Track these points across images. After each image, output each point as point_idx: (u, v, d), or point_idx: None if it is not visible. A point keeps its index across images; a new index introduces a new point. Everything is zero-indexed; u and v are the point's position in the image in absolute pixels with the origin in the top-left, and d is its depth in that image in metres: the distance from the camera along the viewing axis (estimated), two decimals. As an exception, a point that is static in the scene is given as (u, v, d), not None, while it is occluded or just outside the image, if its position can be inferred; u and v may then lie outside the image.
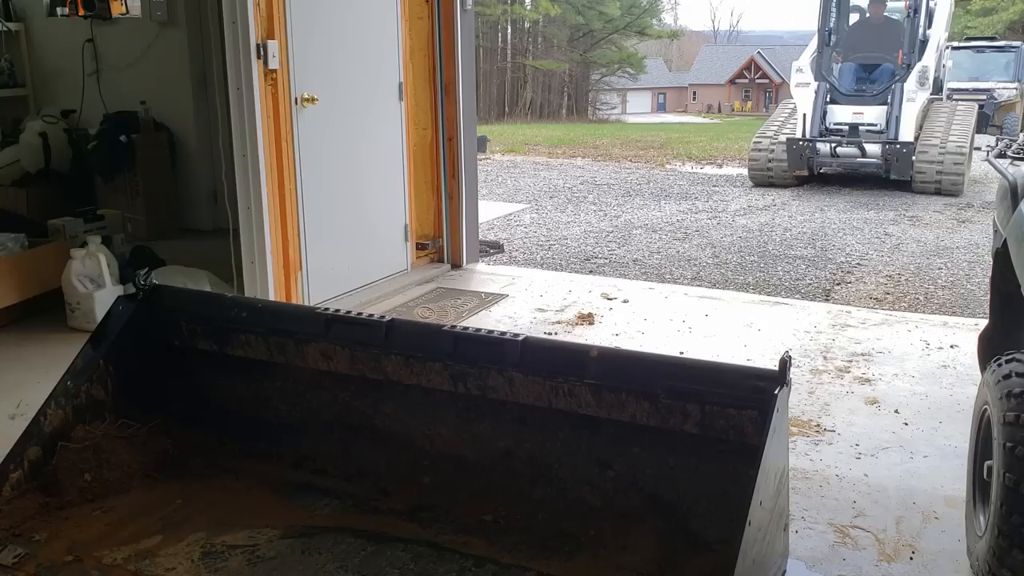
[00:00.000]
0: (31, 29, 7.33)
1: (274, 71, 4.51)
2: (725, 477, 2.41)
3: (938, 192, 11.34)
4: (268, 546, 2.51)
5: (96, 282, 4.72)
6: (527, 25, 36.95)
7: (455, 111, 6.01)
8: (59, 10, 6.95)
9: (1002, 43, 20.46)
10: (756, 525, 2.03)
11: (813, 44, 12.60)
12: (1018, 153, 3.34)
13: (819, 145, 11.72)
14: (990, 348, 3.14)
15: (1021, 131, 16.46)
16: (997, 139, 4.15)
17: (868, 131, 11.74)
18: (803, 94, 12.18)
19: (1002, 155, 3.36)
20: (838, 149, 11.70)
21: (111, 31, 6.99)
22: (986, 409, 2.50)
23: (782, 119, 12.86)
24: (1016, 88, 18.59)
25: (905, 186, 11.58)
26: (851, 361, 4.40)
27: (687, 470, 2.49)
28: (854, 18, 13.24)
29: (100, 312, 3.95)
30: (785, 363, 2.21)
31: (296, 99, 4.70)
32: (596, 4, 36.13)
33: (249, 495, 2.79)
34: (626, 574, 2.38)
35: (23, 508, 2.64)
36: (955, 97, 16.17)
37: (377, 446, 2.88)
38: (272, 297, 4.58)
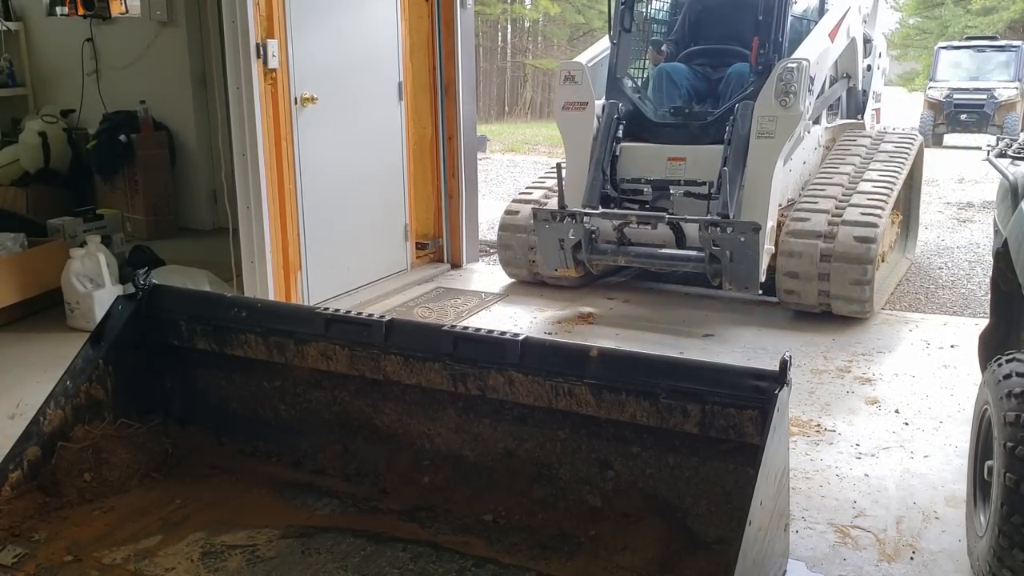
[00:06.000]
0: (31, 29, 7.34)
1: (274, 71, 4.51)
2: (725, 477, 2.42)
3: (828, 313, 5.03)
4: (268, 546, 2.51)
5: (95, 282, 4.72)
6: (527, 24, 36.91)
7: (455, 111, 6.02)
8: (59, 10, 6.97)
9: (1002, 42, 20.42)
10: (756, 525, 2.03)
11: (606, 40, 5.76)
12: (1018, 153, 3.34)
13: (594, 222, 5.08)
14: (990, 348, 3.14)
15: (1021, 131, 16.47)
16: (998, 139, 4.15)
17: (689, 192, 5.06)
18: (575, 124, 5.37)
19: (1002, 155, 3.36)
20: (628, 230, 5.08)
21: (111, 31, 7.00)
22: (986, 409, 2.50)
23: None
24: (1016, 88, 18.55)
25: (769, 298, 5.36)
26: (851, 361, 4.40)
27: (687, 470, 2.49)
28: None
29: (99, 312, 3.95)
30: (785, 363, 2.21)
31: (296, 99, 4.71)
32: (596, 3, 36.08)
33: (249, 495, 2.79)
34: (626, 574, 2.38)
35: (23, 508, 2.64)
36: (956, 101, 15.56)
37: (377, 446, 2.88)
38: (272, 297, 4.58)
